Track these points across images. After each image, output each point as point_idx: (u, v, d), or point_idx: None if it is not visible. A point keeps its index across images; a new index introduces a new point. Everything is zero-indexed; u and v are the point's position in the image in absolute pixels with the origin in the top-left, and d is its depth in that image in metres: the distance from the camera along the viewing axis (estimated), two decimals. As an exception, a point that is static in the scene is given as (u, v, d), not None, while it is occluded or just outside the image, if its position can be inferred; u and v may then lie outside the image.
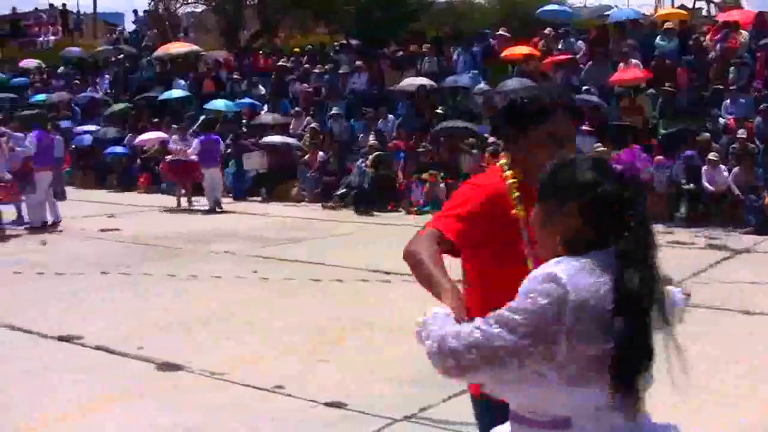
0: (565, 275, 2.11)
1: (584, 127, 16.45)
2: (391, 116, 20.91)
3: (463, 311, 2.38)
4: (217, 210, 17.81)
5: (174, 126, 21.52)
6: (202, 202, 18.48)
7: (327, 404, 5.80)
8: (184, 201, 18.65)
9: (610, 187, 2.19)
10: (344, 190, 18.47)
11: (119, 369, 6.72)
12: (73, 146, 24.13)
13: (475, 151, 17.64)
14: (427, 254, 2.75)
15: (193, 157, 18.31)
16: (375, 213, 17.15)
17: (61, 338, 7.54)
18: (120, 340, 7.43)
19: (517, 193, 2.93)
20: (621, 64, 18.91)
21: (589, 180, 2.22)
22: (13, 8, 40.47)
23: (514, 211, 2.90)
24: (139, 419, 5.61)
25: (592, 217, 2.21)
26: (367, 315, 8.41)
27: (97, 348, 7.23)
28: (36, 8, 40.30)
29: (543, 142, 2.87)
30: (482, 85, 20.41)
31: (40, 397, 5.96)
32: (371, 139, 19.48)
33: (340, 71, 23.74)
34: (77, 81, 30.28)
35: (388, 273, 10.24)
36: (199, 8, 37.23)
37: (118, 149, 23.95)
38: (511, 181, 2.96)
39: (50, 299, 9.33)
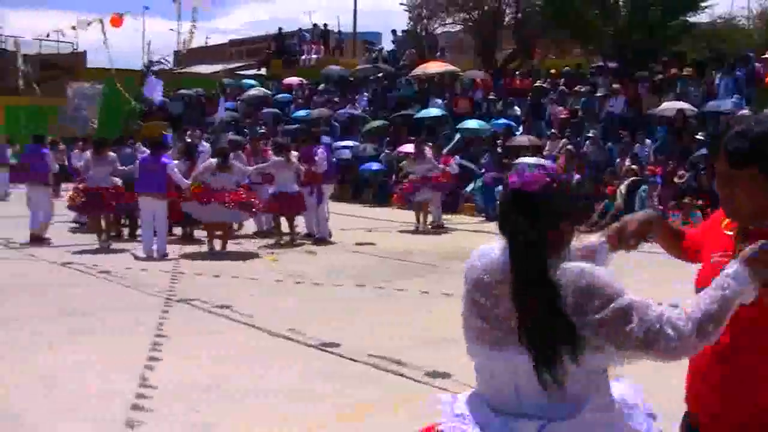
0: None
1: None
2: (648, 141, 20.59)
3: None
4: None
5: (429, 144, 22.07)
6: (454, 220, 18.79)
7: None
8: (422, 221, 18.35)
9: None
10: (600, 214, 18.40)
11: (379, 379, 6.86)
12: (334, 159, 25.28)
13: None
14: None
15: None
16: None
17: (322, 346, 7.80)
18: (377, 349, 7.58)
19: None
20: None
21: None
22: (279, 29, 42.86)
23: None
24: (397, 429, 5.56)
25: None
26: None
27: (353, 359, 7.38)
28: (300, 28, 42.42)
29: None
30: (745, 111, 19.70)
31: (298, 405, 6.15)
32: (627, 164, 19.29)
33: (597, 94, 23.62)
34: (337, 98, 31.69)
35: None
36: (456, 28, 37.92)
37: (374, 165, 24.88)
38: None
39: (309, 308, 9.75)
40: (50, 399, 6.12)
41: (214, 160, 14.53)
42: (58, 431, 5.54)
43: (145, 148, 17.41)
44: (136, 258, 13.45)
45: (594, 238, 2.90)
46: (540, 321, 2.40)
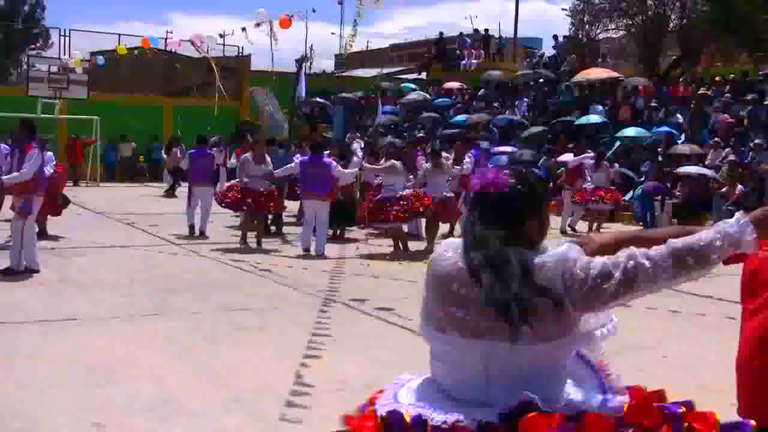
0: None
1: None
2: (817, 151, 19.97)
3: None
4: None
5: (589, 151, 21.93)
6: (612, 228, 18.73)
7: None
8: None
9: None
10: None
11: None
12: (491, 165, 25.46)
13: None
14: None
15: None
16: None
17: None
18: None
19: None
20: None
21: None
22: (440, 33, 43.12)
23: None
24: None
25: None
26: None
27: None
28: (461, 33, 42.55)
29: None
30: None
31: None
32: (793, 174, 18.79)
33: (765, 102, 23.01)
34: (497, 104, 31.82)
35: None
36: (619, 34, 37.43)
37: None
38: None
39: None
40: (210, 391, 6.36)
41: (398, 163, 14.74)
42: (217, 422, 5.73)
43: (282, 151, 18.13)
44: (297, 256, 13.73)
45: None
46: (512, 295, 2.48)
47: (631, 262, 2.49)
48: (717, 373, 7.39)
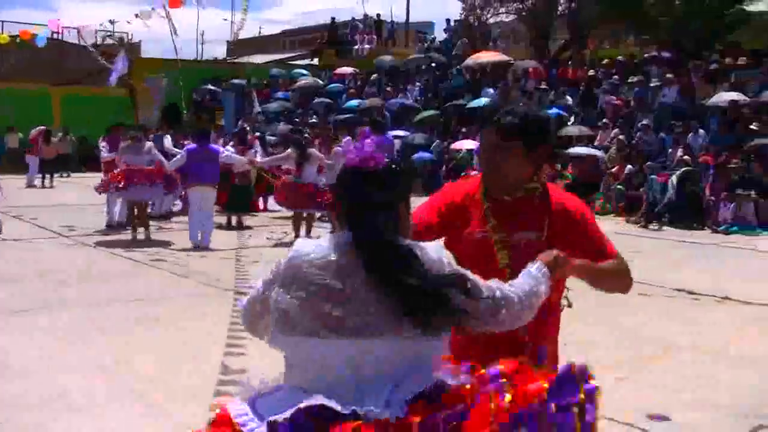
0: None
1: None
2: (702, 131, 20.36)
3: None
4: None
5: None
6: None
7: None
8: None
9: None
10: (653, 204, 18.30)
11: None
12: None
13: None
14: None
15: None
16: (679, 230, 16.89)
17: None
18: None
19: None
20: None
21: None
22: (332, 18, 42.95)
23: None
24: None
25: None
26: (672, 335, 8.20)
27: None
28: (353, 18, 42.47)
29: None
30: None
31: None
32: (680, 154, 19.13)
33: (651, 84, 23.43)
34: (389, 88, 31.77)
35: (692, 293, 10.19)
36: (510, 18, 37.77)
37: (426, 155, 24.95)
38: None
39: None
40: (103, 385, 6.25)
41: (290, 150, 14.49)
42: (110, 415, 5.62)
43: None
44: (189, 248, 13.49)
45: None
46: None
47: (500, 293, 2.58)
48: (608, 350, 7.46)
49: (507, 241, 3.16)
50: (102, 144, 17.74)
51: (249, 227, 16.36)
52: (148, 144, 14.83)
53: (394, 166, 2.60)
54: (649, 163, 19.48)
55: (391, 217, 2.53)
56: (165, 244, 14.04)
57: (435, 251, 2.51)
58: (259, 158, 16.24)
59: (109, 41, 33.54)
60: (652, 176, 18.60)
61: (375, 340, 2.38)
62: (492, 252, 3.16)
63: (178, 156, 14.28)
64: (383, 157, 2.56)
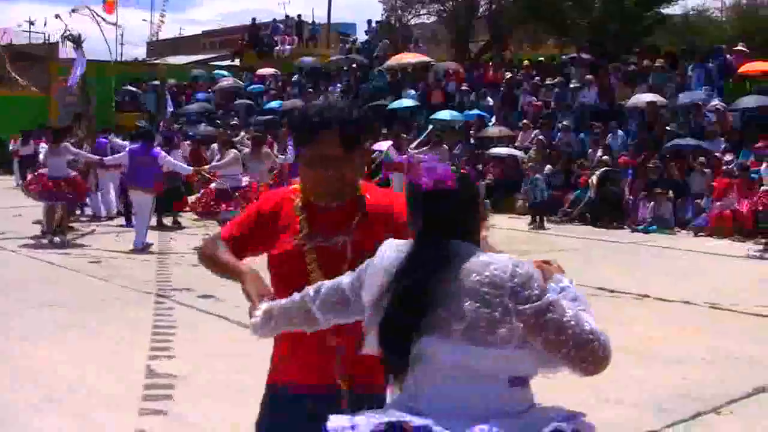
0: None
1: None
2: (620, 132, 20.53)
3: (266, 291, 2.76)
4: None
5: (403, 136, 21.81)
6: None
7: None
8: None
9: None
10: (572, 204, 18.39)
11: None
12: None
13: (707, 170, 17.15)
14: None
15: None
16: (600, 229, 17.00)
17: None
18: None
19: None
20: None
21: None
22: (253, 19, 42.49)
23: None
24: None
25: None
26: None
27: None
28: (274, 19, 42.06)
29: (307, 164, 2.87)
30: (715, 102, 19.78)
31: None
32: (600, 155, 19.27)
33: (570, 85, 23.60)
34: (310, 89, 31.51)
35: (612, 291, 10.18)
36: (431, 19, 37.85)
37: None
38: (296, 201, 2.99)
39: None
40: (24, 392, 6.07)
41: (234, 152, 14.23)
42: (32, 423, 5.49)
43: (118, 140, 17.47)
44: (111, 250, 13.24)
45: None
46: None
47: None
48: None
49: (322, 248, 2.92)
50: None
51: (182, 226, 16.44)
52: (63, 145, 14.61)
53: (463, 175, 2.47)
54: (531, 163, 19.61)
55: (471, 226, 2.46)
56: (86, 247, 13.73)
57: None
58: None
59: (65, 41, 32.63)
60: (536, 176, 18.43)
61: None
62: (304, 260, 2.91)
63: (119, 154, 14.39)
64: (451, 171, 2.42)
